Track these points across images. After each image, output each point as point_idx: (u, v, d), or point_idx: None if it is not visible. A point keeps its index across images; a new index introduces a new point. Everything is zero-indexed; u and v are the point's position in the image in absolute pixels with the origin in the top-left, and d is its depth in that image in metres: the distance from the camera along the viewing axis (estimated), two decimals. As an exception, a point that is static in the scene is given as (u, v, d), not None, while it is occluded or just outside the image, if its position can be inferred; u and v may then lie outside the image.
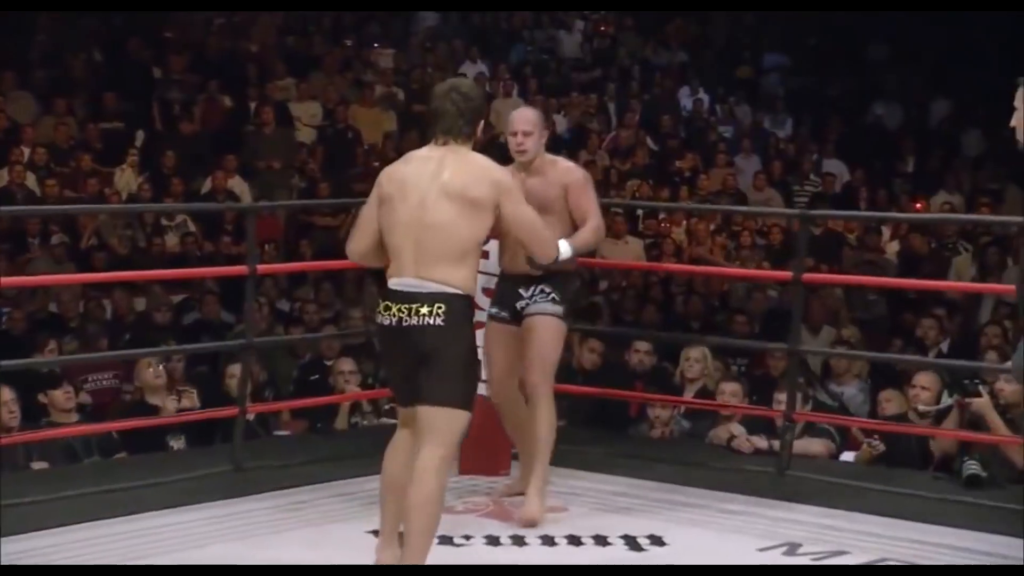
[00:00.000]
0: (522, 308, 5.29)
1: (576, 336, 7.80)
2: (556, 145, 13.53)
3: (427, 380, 4.20)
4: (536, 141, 5.24)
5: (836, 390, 8.10)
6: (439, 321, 4.17)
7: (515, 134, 5.24)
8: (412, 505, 4.16)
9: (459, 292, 4.21)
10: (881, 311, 10.53)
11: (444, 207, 4.20)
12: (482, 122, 4.39)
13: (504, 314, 5.34)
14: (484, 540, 4.96)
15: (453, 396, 4.20)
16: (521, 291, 5.28)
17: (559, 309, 5.25)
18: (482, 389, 4.99)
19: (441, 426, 4.20)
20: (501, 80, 14.80)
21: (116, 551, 4.77)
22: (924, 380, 6.48)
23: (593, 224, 5.20)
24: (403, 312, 4.20)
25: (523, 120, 5.27)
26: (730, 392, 6.77)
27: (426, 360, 4.19)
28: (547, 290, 5.25)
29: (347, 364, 7.60)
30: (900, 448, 6.30)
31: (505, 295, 5.35)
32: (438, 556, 4.30)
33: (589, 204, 5.24)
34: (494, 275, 5.45)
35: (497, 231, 4.42)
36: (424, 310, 4.17)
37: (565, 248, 4.85)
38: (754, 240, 12.03)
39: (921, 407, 6.43)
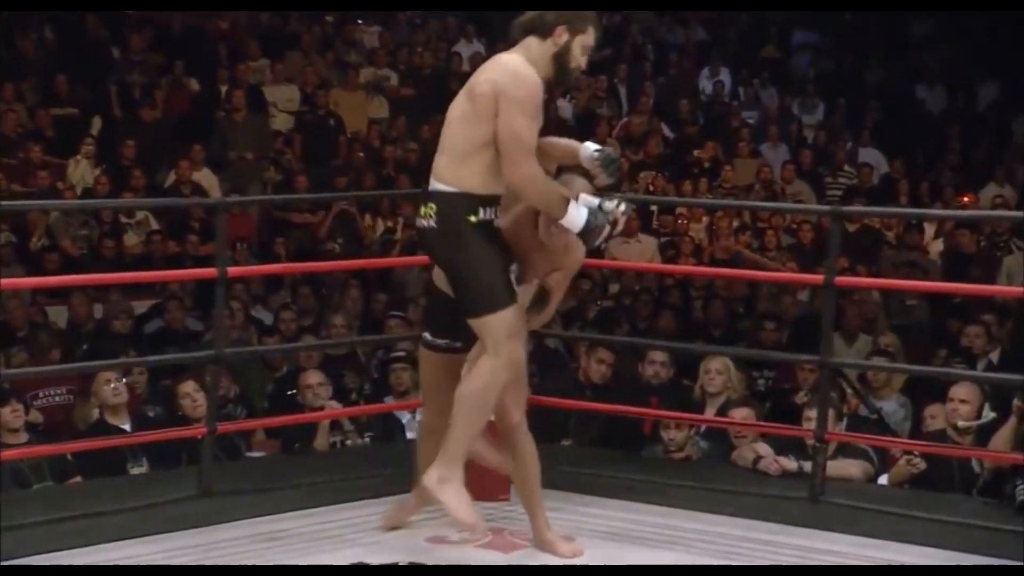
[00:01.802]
0: None
1: (584, 346, 7.79)
2: (561, 133, 13.54)
3: (455, 292, 4.61)
4: None
5: (875, 404, 8.09)
6: (431, 223, 4.53)
7: None
8: (457, 396, 4.63)
9: (449, 190, 4.49)
10: (923, 317, 10.53)
11: (459, 102, 4.55)
12: (533, 34, 4.55)
13: (442, 341, 4.97)
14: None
15: (477, 304, 4.53)
16: None
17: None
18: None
19: (484, 335, 4.58)
20: (500, 60, 14.79)
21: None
22: (962, 392, 6.46)
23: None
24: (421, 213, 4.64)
25: None
26: (740, 418, 6.68)
27: (440, 268, 4.61)
28: None
29: (315, 377, 7.59)
30: (939, 468, 6.30)
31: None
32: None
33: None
34: None
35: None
36: (423, 210, 4.56)
37: (577, 214, 4.61)
38: (779, 239, 12.03)
39: (961, 423, 6.42)
